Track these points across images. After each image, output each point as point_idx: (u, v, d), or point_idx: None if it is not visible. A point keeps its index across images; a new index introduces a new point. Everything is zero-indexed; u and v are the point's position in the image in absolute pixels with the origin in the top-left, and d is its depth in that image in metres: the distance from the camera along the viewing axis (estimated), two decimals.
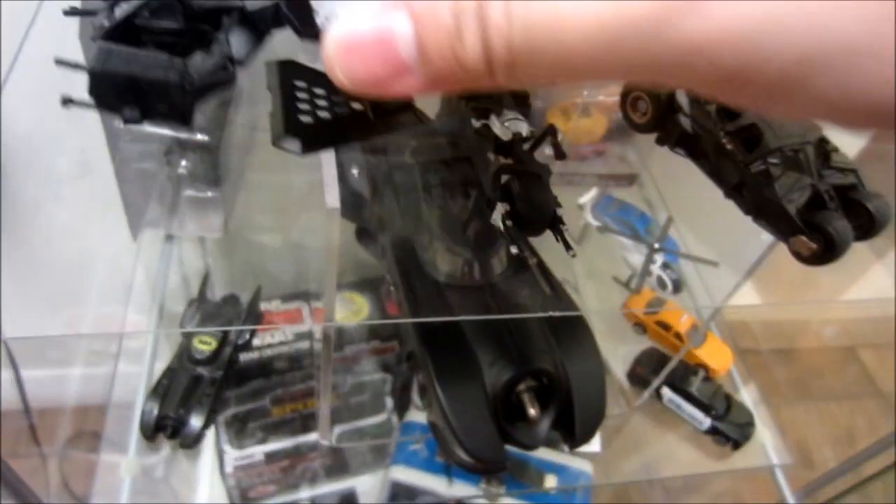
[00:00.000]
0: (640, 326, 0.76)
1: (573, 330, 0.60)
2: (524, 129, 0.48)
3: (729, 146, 0.43)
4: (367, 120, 0.33)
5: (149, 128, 0.60)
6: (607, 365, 0.78)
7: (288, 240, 0.84)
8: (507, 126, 0.48)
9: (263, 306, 0.85)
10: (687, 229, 0.87)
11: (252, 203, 0.80)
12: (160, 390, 0.63)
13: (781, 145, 0.41)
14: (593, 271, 0.82)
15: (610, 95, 0.83)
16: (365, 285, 0.97)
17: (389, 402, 0.96)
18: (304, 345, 0.92)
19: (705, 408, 0.76)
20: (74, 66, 0.32)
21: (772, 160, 0.41)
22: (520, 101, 0.52)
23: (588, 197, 0.78)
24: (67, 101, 0.34)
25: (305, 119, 0.33)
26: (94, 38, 0.32)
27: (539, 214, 0.45)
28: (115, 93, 0.32)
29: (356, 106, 0.33)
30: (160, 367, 0.68)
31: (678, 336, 0.73)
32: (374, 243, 0.68)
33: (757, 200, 0.42)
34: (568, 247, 0.44)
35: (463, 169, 0.70)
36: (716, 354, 0.78)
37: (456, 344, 0.56)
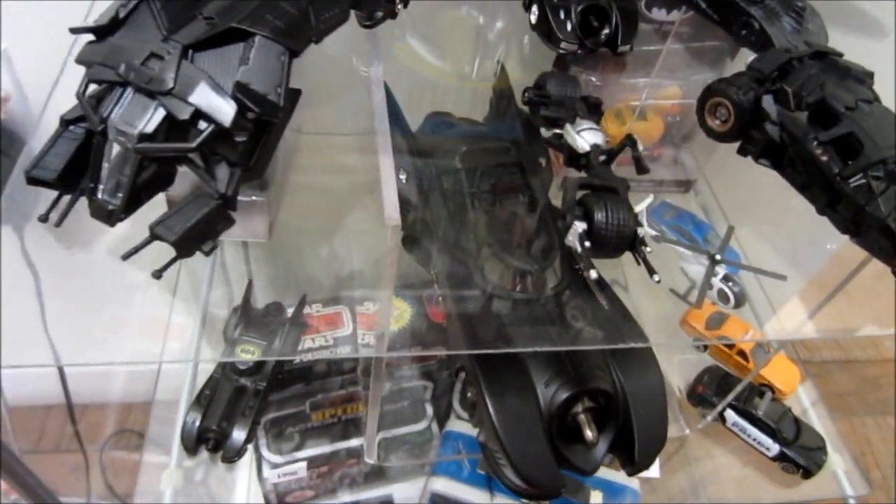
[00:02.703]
0: (701, 342, 0.72)
1: (633, 348, 0.57)
2: (600, 139, 0.45)
3: (823, 157, 0.39)
4: None
5: None
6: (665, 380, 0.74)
7: (329, 243, 0.82)
8: (582, 136, 0.45)
9: (304, 311, 0.84)
10: (745, 238, 0.83)
11: (294, 206, 0.78)
12: (203, 401, 0.61)
13: (884, 157, 0.37)
14: (649, 282, 0.78)
15: (667, 99, 0.79)
16: (407, 289, 0.95)
17: (430, 409, 0.94)
18: (346, 349, 0.91)
19: (773, 432, 0.72)
20: (142, 246, 0.35)
21: (873, 173, 0.37)
22: (592, 108, 0.49)
23: (644, 204, 0.74)
24: (158, 275, 0.37)
25: None
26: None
27: (619, 235, 0.41)
28: (191, 243, 0.36)
29: None
30: (203, 367, 0.67)
31: (742, 354, 0.69)
32: (420, 250, 0.66)
33: (856, 218, 0.38)
34: (651, 271, 0.41)
35: (514, 175, 0.67)
36: (783, 374, 0.73)
37: (509, 360, 0.54)
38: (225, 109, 0.32)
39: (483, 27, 0.73)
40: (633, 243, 0.42)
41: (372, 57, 0.54)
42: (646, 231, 0.42)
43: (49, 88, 0.73)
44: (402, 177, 0.68)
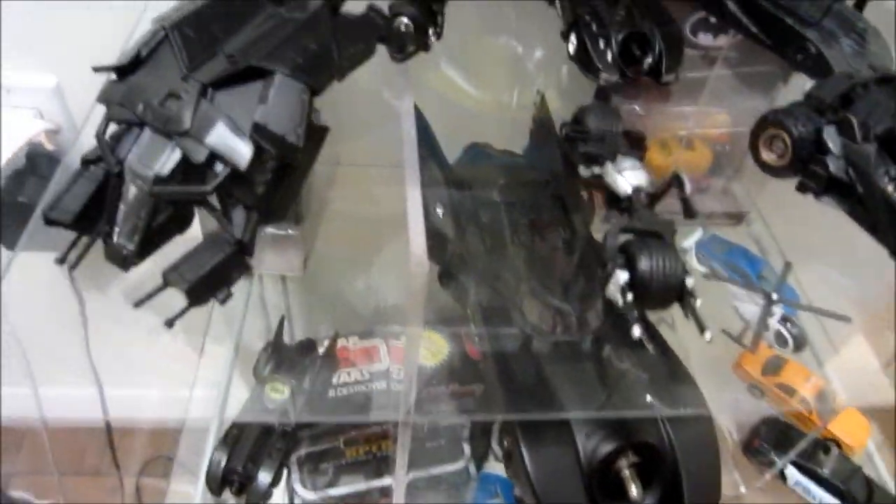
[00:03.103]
0: (757, 389, 0.67)
1: (682, 394, 0.53)
2: (644, 179, 0.42)
3: None
4: None
5: None
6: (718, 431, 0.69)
7: (368, 275, 0.81)
8: (624, 176, 0.42)
9: (340, 343, 0.82)
10: (804, 274, 0.78)
11: (333, 238, 0.77)
12: (229, 441, 0.60)
13: None
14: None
15: (715, 127, 0.75)
16: (445, 323, 0.92)
17: (467, 449, 0.91)
18: (381, 385, 0.88)
19: (842, 494, 0.64)
20: (155, 294, 0.34)
21: None
22: (635, 144, 0.46)
23: (693, 240, 0.70)
24: (170, 324, 0.35)
25: None
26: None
27: (666, 285, 0.38)
28: (205, 291, 0.34)
29: None
30: (234, 392, 0.65)
31: (805, 403, 0.63)
32: (456, 285, 0.64)
33: None
34: (702, 327, 0.38)
35: (554, 209, 0.65)
36: (851, 427, 0.66)
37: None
38: (241, 151, 0.31)
39: (522, 57, 0.72)
40: (682, 294, 0.39)
41: (402, 90, 0.52)
42: (695, 276, 0.39)
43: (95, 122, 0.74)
44: (439, 210, 0.66)
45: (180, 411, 0.76)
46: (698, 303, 0.38)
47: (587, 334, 0.53)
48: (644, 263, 0.38)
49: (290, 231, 0.66)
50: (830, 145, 0.38)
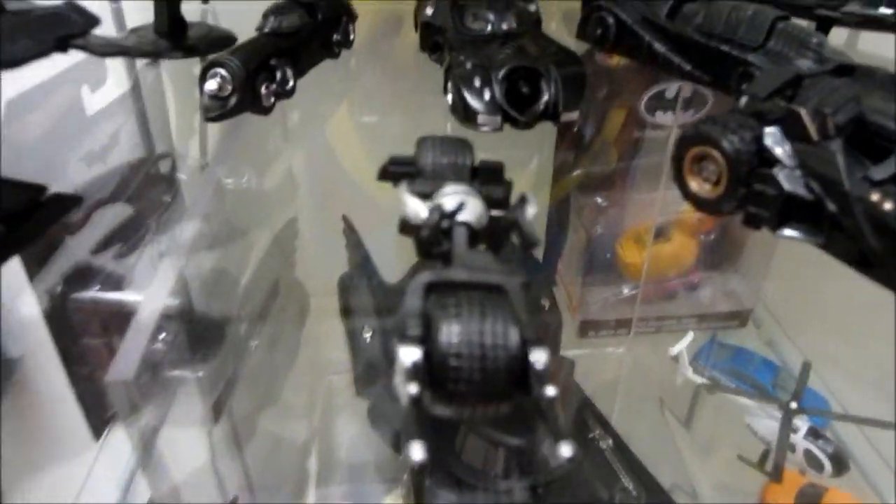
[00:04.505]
0: None
1: None
2: (476, 211, 0.29)
3: (885, 206, 0.23)
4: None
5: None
6: None
7: (298, 425, 0.69)
8: (440, 200, 0.29)
9: None
10: (833, 374, 0.64)
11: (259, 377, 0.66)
12: None
13: None
14: (708, 447, 0.59)
15: (691, 212, 0.66)
16: None
17: None
18: None
19: None
20: None
21: None
22: (491, 178, 0.33)
23: (682, 345, 0.58)
24: None
25: None
26: None
27: (484, 367, 0.20)
28: None
29: None
30: None
31: None
32: (385, 425, 0.52)
33: None
34: (558, 436, 0.21)
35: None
36: None
37: None
38: None
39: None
40: (524, 381, 0.21)
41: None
42: (537, 365, 0.21)
43: None
44: (367, 335, 0.57)
45: None
46: (551, 394, 0.20)
47: (542, 480, 0.41)
48: (446, 333, 0.20)
49: (199, 374, 0.56)
50: (777, 152, 0.26)
